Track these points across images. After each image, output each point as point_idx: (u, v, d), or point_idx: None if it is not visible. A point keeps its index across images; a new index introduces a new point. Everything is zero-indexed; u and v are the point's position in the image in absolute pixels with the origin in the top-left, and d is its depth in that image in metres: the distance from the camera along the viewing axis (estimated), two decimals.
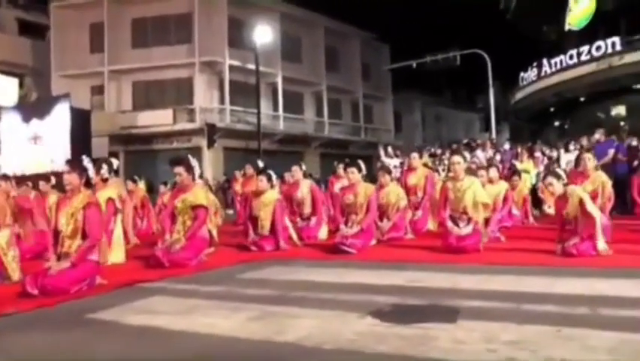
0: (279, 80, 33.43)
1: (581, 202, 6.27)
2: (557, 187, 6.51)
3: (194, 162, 7.19)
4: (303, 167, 10.59)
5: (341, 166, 11.07)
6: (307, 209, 9.96)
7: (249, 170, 14.09)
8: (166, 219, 7.17)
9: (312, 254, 7.61)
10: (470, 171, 8.20)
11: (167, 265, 6.38)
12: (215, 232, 8.70)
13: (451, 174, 7.61)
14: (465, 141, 17.86)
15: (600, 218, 6.28)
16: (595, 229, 6.13)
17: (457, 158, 7.49)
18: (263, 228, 8.13)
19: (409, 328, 3.50)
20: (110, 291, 5.29)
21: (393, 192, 8.84)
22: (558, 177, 6.57)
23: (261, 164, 10.06)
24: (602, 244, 6.08)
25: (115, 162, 9.34)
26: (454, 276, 5.35)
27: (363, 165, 8.53)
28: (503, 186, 9.29)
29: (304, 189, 10.08)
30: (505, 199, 9.01)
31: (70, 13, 31.90)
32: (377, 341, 3.23)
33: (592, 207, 6.30)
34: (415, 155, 10.80)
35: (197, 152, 29.27)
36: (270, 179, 8.40)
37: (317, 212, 9.83)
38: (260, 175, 8.56)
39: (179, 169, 7.06)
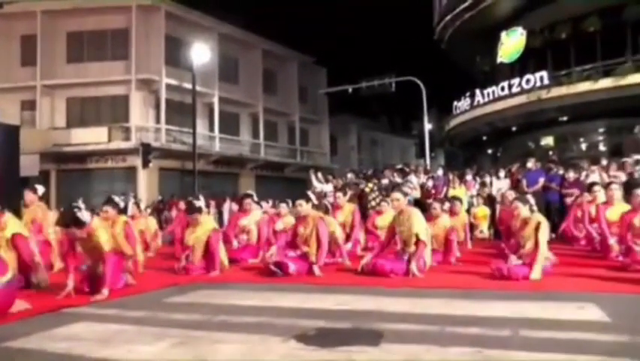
0: (216, 101, 33.32)
1: (537, 227, 6.50)
2: (523, 211, 6.75)
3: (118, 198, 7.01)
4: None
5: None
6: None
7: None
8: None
9: (241, 277, 7.55)
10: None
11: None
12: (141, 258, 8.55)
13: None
14: (399, 166, 18.08)
15: (544, 251, 6.47)
16: (536, 258, 6.35)
17: (396, 194, 7.57)
18: (195, 256, 8.02)
19: (332, 351, 3.51)
20: (31, 316, 5.08)
21: (333, 223, 8.85)
22: (525, 201, 6.87)
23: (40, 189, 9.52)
24: (536, 274, 6.25)
25: (40, 188, 9.10)
26: (381, 299, 5.39)
27: (313, 196, 8.61)
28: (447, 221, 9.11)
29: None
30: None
31: None
32: None
33: (544, 237, 6.51)
34: (339, 194, 10.94)
35: (132, 172, 28.89)
36: (200, 211, 8.41)
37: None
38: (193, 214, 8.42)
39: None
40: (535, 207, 6.99)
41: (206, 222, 8.28)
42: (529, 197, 7.16)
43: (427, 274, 6.98)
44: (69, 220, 6.00)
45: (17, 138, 20.91)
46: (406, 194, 7.72)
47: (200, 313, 4.96)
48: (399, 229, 7.40)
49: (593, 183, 10.71)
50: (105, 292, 5.89)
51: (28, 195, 9.02)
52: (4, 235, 5.95)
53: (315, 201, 8.95)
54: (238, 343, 3.82)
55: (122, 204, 8.95)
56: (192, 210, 8.47)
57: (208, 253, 7.96)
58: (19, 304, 5.29)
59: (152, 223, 12.10)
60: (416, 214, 7.30)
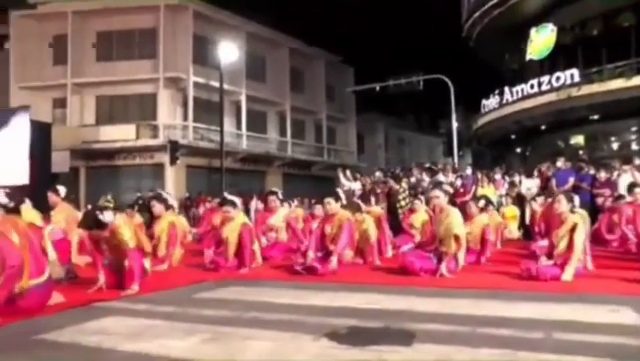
0: (243, 99, 33.36)
1: (574, 228, 6.37)
2: (563, 206, 6.62)
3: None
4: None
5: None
6: None
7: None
8: None
9: (270, 275, 7.54)
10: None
11: None
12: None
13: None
14: (427, 164, 17.94)
15: (578, 253, 6.35)
16: (570, 259, 6.23)
17: (437, 192, 7.47)
18: (229, 251, 8.05)
19: (363, 350, 3.48)
20: (64, 310, 5.14)
21: (367, 221, 8.78)
22: (570, 198, 6.72)
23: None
24: (568, 275, 6.14)
25: (62, 189, 9.21)
26: (411, 299, 5.35)
27: (342, 195, 8.52)
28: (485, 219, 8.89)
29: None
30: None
31: (32, 23, 31.24)
32: None
33: (579, 238, 6.36)
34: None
35: (159, 168, 29.13)
36: (234, 205, 8.35)
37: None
38: (224, 206, 8.43)
39: None
40: (577, 208, 6.80)
41: (239, 217, 8.30)
42: (576, 197, 6.94)
43: (456, 274, 6.90)
44: (91, 223, 6.10)
45: (49, 135, 21.41)
46: (446, 192, 7.60)
47: (230, 310, 4.97)
48: (437, 228, 7.32)
49: (634, 185, 10.42)
50: (135, 287, 5.96)
51: (52, 197, 9.11)
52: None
53: (345, 201, 8.82)
54: (269, 340, 3.80)
55: (170, 201, 9.13)
56: (225, 202, 8.52)
57: (240, 248, 7.98)
58: (55, 297, 5.38)
59: (182, 221, 12.15)
60: (455, 214, 7.14)
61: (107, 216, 6.04)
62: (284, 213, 10.35)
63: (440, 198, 7.36)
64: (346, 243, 7.72)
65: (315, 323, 4.30)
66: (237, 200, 8.71)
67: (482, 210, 9.14)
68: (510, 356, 3.30)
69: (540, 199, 11.51)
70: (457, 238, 6.88)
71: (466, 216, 8.21)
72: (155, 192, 9.23)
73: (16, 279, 4.72)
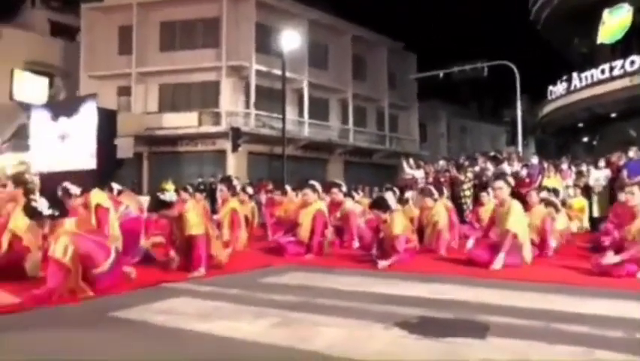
0: (305, 86, 33.37)
1: None
2: (637, 198, 6.30)
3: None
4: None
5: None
6: None
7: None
8: None
9: (334, 262, 7.50)
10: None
11: None
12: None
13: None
14: (491, 153, 17.52)
15: None
16: None
17: (499, 183, 7.28)
18: (302, 233, 8.12)
19: (437, 341, 3.40)
20: (135, 290, 5.32)
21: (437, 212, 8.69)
22: None
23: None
24: None
25: (115, 186, 9.40)
26: (478, 290, 5.22)
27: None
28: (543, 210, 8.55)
29: None
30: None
31: (99, 15, 32.34)
32: (405, 353, 3.15)
33: None
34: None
35: (221, 155, 29.52)
36: (314, 189, 8.45)
37: None
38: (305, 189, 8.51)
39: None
40: None
41: (317, 203, 8.36)
42: None
43: (524, 266, 6.69)
44: (156, 205, 6.40)
45: (114, 122, 22.01)
46: (509, 183, 7.34)
47: (297, 295, 4.97)
48: (497, 220, 7.12)
49: None
50: (202, 270, 6.08)
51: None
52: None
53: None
54: (339, 327, 3.77)
55: (238, 187, 9.31)
56: (304, 186, 8.65)
57: (311, 234, 8.02)
58: (129, 272, 5.68)
59: (249, 206, 12.21)
60: (515, 210, 6.92)
61: (167, 196, 6.29)
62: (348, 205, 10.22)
63: (503, 189, 7.15)
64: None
65: (383, 312, 4.24)
66: (318, 185, 8.73)
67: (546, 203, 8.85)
68: (587, 354, 3.15)
69: None
70: (514, 236, 6.70)
71: (527, 206, 7.97)
72: (225, 175, 9.33)
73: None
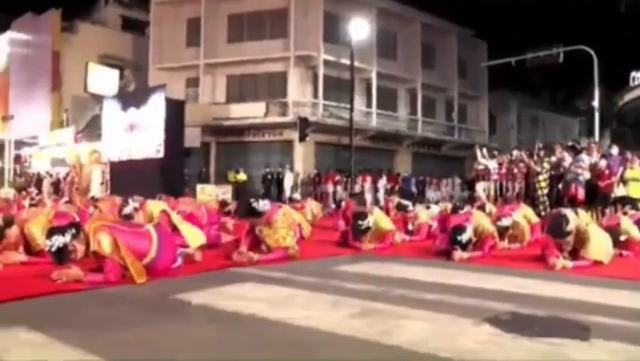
0: (374, 76, 32.89)
1: None
2: None
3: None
4: None
5: None
6: None
7: None
8: None
9: (406, 252, 7.14)
10: None
11: None
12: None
13: None
14: (569, 143, 16.65)
15: None
16: None
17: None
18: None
19: (536, 342, 3.00)
20: (199, 273, 5.25)
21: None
22: None
23: None
24: None
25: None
26: (564, 286, 4.78)
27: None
28: None
29: None
30: None
31: (168, 9, 33.02)
32: (504, 354, 2.79)
33: None
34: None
35: (288, 145, 29.55)
36: None
37: None
38: None
39: None
40: None
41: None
42: None
43: (616, 263, 6.08)
44: (247, 212, 6.29)
45: (182, 112, 22.22)
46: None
47: (374, 285, 4.70)
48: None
49: None
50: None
51: None
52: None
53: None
54: (423, 320, 3.46)
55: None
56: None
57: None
58: (197, 255, 5.77)
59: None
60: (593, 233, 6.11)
61: (261, 206, 6.15)
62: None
63: None
64: None
65: (469, 306, 3.91)
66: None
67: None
68: None
69: None
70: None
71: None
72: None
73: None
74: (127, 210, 8.01)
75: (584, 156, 14.20)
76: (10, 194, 17.45)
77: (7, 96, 36.95)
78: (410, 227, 8.89)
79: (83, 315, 3.67)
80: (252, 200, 6.24)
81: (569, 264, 5.74)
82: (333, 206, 15.35)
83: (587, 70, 29.35)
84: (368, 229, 7.24)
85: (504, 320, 3.47)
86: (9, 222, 5.91)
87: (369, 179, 26.09)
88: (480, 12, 53.83)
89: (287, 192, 25.71)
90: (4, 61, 38.85)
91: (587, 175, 12.72)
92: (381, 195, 24.26)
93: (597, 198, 12.25)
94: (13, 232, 5.87)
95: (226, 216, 9.92)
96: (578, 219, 6.16)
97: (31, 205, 11.89)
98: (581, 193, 12.23)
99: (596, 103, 29.19)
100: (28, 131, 33.61)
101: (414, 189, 27.45)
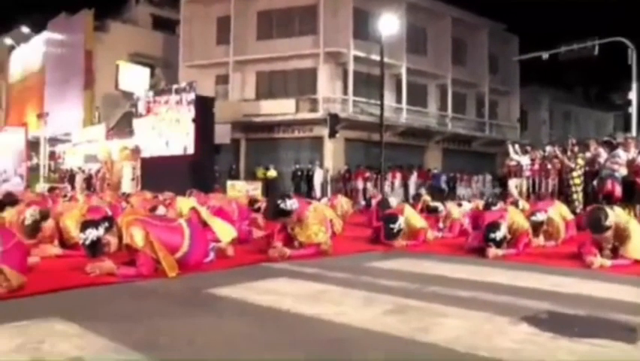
0: (403, 72, 32.71)
1: None
2: None
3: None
4: None
5: None
6: None
7: None
8: None
9: (436, 249, 7.05)
10: None
11: None
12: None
13: None
14: (605, 138, 16.31)
15: None
16: None
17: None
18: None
19: (577, 342, 2.89)
20: (232, 268, 5.26)
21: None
22: None
23: None
24: None
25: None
26: (602, 285, 4.60)
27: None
28: None
29: None
30: None
31: (198, 7, 33.34)
32: (544, 354, 2.70)
33: None
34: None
35: (318, 142, 29.54)
36: None
37: None
38: None
39: None
40: None
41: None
42: None
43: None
44: (275, 213, 6.15)
45: (212, 109, 22.33)
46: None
47: (407, 282, 4.64)
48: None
49: None
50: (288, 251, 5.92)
51: None
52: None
53: None
54: (460, 318, 3.38)
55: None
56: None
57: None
58: (229, 250, 5.81)
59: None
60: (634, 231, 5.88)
61: (289, 205, 6.03)
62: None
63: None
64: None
65: (505, 303, 3.81)
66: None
67: None
68: None
69: None
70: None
71: None
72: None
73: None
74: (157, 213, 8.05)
75: (620, 151, 13.85)
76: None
77: (43, 95, 37.77)
78: (441, 225, 8.81)
79: (115, 307, 3.70)
80: (279, 201, 6.11)
81: (607, 262, 5.56)
82: (363, 203, 15.30)
83: (623, 63, 28.67)
84: (400, 231, 7.14)
85: (542, 318, 3.38)
86: (45, 216, 5.97)
87: (399, 175, 25.98)
88: (512, 6, 53.09)
89: (317, 189, 25.71)
90: (39, 60, 39.63)
91: (623, 171, 12.43)
92: (411, 191, 24.15)
93: (635, 195, 11.96)
94: (48, 225, 5.95)
95: (256, 213, 9.93)
96: (617, 215, 5.96)
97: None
98: (618, 190, 11.96)
99: (633, 96, 28.54)
100: (62, 129, 34.29)
101: (444, 185, 27.30)
